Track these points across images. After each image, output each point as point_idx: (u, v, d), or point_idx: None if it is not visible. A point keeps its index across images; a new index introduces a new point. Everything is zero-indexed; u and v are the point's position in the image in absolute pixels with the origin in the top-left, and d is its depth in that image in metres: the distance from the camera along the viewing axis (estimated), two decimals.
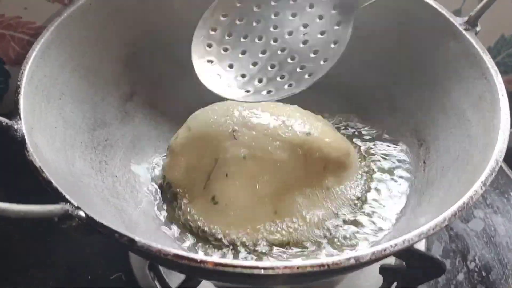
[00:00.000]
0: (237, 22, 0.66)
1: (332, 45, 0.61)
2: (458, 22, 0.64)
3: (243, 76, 0.63)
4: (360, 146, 0.72)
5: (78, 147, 0.61)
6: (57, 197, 0.47)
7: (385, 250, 0.45)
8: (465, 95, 0.62)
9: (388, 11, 0.67)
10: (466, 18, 0.64)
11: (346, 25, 0.61)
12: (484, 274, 0.69)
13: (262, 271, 0.43)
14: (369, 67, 0.70)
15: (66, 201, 0.46)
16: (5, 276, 0.69)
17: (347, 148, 0.68)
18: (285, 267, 0.42)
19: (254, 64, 0.64)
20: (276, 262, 0.43)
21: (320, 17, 0.63)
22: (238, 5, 0.66)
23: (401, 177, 0.68)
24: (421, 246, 0.70)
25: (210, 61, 0.65)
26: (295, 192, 0.63)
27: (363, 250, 0.45)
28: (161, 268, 0.67)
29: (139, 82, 0.72)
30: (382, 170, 0.69)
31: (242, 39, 0.65)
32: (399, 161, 0.70)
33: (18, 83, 0.56)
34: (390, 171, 0.69)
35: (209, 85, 0.63)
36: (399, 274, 0.63)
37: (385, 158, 0.70)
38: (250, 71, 0.63)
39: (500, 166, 0.51)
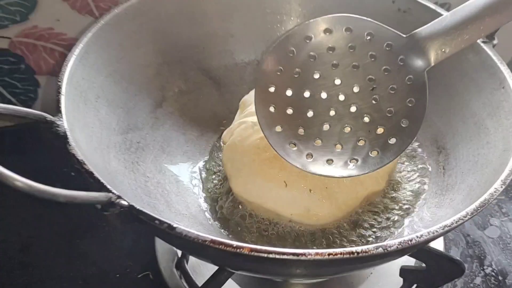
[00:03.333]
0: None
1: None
2: None
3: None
4: None
5: (113, 148, 0.63)
6: (99, 187, 0.48)
7: (411, 240, 0.46)
8: (483, 105, 0.65)
9: (405, 24, 0.67)
10: None
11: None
12: (500, 278, 0.71)
13: (292, 257, 0.44)
14: None
15: (107, 191, 0.48)
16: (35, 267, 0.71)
17: None
18: (317, 254, 0.44)
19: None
20: (307, 250, 0.45)
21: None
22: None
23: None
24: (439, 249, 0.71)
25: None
26: None
27: (390, 240, 0.47)
28: (187, 266, 0.69)
29: (169, 90, 0.74)
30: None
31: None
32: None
33: (59, 83, 0.58)
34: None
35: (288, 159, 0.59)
36: (419, 276, 0.65)
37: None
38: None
39: None
